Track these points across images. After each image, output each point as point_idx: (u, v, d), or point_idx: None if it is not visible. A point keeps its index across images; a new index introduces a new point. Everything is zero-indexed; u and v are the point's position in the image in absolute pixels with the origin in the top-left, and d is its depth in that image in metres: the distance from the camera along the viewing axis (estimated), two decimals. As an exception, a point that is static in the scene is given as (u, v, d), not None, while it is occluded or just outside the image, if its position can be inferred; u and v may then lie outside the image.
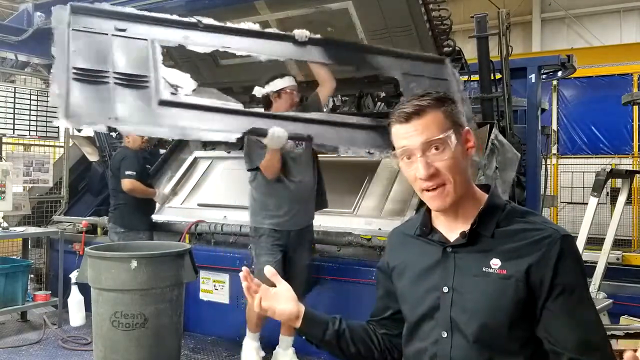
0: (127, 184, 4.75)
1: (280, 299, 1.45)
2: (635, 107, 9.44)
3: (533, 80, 5.27)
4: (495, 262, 1.28)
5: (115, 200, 4.94)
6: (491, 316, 1.26)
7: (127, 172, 4.76)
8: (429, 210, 1.42)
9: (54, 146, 6.96)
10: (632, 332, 3.16)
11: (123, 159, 4.88)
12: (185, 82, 3.17)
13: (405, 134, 1.31)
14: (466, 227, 1.33)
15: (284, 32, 3.55)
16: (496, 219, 1.32)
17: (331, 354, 1.53)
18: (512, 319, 1.25)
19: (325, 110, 4.33)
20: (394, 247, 1.54)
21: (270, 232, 3.73)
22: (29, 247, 5.36)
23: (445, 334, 1.32)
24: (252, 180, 3.86)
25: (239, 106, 3.37)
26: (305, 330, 1.47)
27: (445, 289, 1.32)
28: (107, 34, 3.03)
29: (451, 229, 1.37)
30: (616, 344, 3.36)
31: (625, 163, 9.79)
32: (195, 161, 5.76)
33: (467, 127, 1.35)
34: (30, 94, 5.77)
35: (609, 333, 3.14)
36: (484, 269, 1.28)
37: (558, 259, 1.25)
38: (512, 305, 1.25)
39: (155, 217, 5.18)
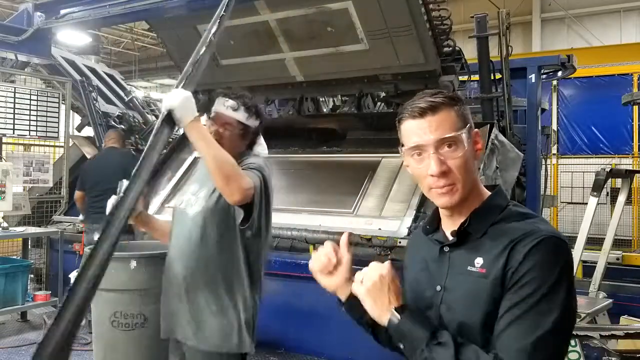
0: None
1: (336, 272, 1.44)
2: (635, 107, 9.44)
3: (533, 80, 5.28)
4: (478, 261, 1.27)
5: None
6: (470, 315, 1.25)
7: None
8: (438, 209, 1.42)
9: (54, 146, 6.97)
10: (632, 332, 3.15)
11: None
12: None
13: (419, 130, 1.29)
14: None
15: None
16: (491, 220, 1.31)
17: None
18: (492, 318, 1.22)
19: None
20: (410, 246, 1.57)
21: None
22: (29, 247, 5.36)
23: None
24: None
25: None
26: (346, 309, 1.47)
27: (438, 288, 1.33)
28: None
29: (452, 228, 1.37)
30: (616, 344, 3.36)
31: (625, 163, 9.78)
32: (195, 161, 5.76)
33: (476, 129, 1.35)
34: (30, 94, 5.77)
35: (609, 333, 3.15)
36: (468, 267, 1.28)
37: (529, 251, 1.19)
38: (489, 305, 1.23)
39: (156, 217, 5.14)
